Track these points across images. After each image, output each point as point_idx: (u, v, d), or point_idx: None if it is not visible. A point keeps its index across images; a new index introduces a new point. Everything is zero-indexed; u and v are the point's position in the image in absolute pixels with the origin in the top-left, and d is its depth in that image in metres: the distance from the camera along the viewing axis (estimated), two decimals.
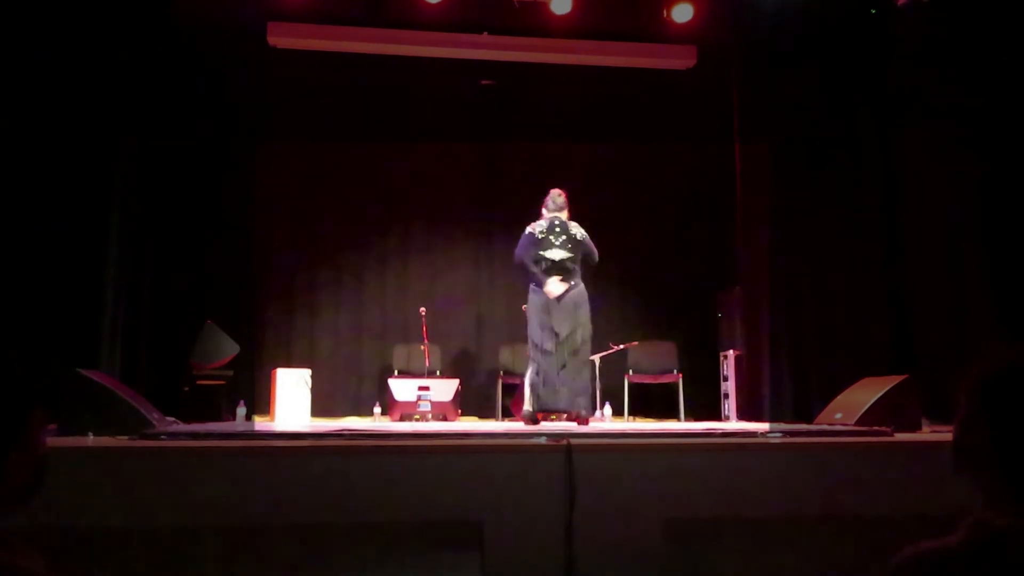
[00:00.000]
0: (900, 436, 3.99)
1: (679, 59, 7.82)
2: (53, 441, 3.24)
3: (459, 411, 7.15)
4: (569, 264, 5.52)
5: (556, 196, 5.70)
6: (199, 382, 6.88)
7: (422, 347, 7.47)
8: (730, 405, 7.54)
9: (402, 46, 7.63)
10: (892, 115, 6.79)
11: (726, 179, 7.46)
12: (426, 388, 7.10)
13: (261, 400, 7.34)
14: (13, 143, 5.08)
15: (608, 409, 7.20)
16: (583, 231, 5.62)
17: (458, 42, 7.63)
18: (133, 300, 5.83)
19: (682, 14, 7.30)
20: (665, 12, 7.35)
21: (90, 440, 3.44)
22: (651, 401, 7.77)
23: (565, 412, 5.53)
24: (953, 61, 6.11)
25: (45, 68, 5.19)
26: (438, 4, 7.07)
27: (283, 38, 7.36)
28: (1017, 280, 5.88)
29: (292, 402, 6.84)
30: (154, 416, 4.17)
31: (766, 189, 6.98)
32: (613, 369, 7.58)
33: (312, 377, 7.06)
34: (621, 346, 7.51)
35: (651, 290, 8.38)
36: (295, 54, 7.53)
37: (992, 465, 1.23)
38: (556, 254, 5.52)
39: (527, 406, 5.64)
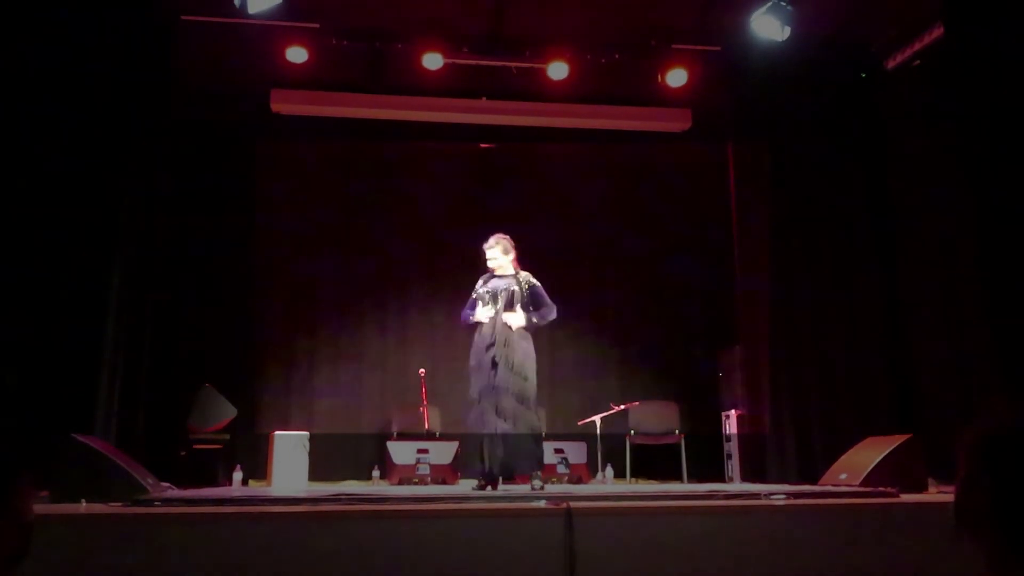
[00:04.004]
0: (906, 497, 3.94)
1: (675, 122, 7.95)
2: (45, 508, 3.19)
3: (459, 473, 7.05)
4: None
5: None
6: (196, 446, 6.80)
7: (421, 409, 7.41)
8: (733, 466, 7.44)
9: (402, 111, 7.76)
10: (888, 175, 6.86)
11: (725, 239, 7.51)
12: (425, 451, 7.02)
13: (258, 464, 7.25)
14: (16, 206, 5.11)
15: (610, 471, 7.10)
16: None
17: (457, 107, 7.76)
18: (131, 363, 5.79)
19: (676, 79, 7.44)
20: (660, 77, 7.49)
21: (83, 507, 3.39)
22: (653, 462, 7.67)
23: None
24: (946, 121, 6.19)
25: (48, 129, 5.24)
26: (438, 71, 7.22)
27: (286, 104, 7.50)
28: (1021, 336, 5.85)
29: (290, 466, 6.75)
30: (149, 482, 4.12)
31: (765, 249, 7.02)
32: (615, 430, 7.50)
33: (310, 440, 6.99)
34: (622, 406, 7.45)
35: (652, 350, 8.35)
36: (297, 119, 7.66)
37: (994, 528, 1.18)
38: None
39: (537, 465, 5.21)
